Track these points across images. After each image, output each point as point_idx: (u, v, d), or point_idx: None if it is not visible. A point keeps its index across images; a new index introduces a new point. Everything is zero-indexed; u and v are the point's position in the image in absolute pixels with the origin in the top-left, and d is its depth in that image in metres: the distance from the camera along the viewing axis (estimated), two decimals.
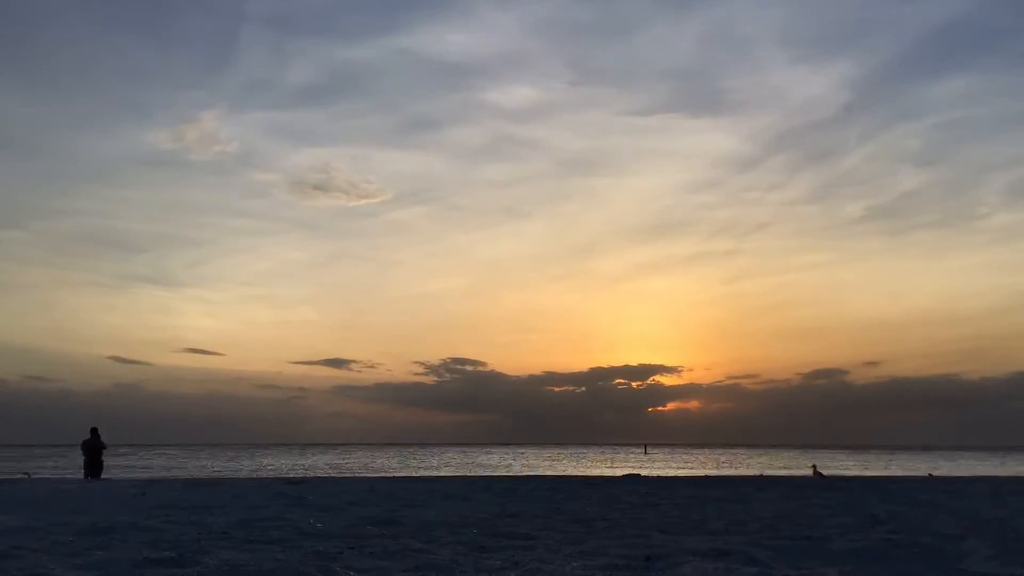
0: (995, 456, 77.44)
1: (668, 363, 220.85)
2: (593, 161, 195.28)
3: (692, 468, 44.82)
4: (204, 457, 66.62)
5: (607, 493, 14.45)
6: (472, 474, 31.24)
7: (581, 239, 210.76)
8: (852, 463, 55.31)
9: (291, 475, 30.50)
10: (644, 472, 31.26)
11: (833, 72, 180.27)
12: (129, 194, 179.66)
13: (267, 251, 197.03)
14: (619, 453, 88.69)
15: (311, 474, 31.79)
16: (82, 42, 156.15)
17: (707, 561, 5.90)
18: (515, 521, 9.04)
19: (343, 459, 62.27)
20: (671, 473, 30.74)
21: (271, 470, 41.38)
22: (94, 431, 24.97)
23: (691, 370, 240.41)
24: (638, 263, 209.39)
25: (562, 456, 73.14)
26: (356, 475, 32.02)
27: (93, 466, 24.89)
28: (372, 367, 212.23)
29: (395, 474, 31.86)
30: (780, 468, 43.55)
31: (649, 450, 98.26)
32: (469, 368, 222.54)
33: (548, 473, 32.23)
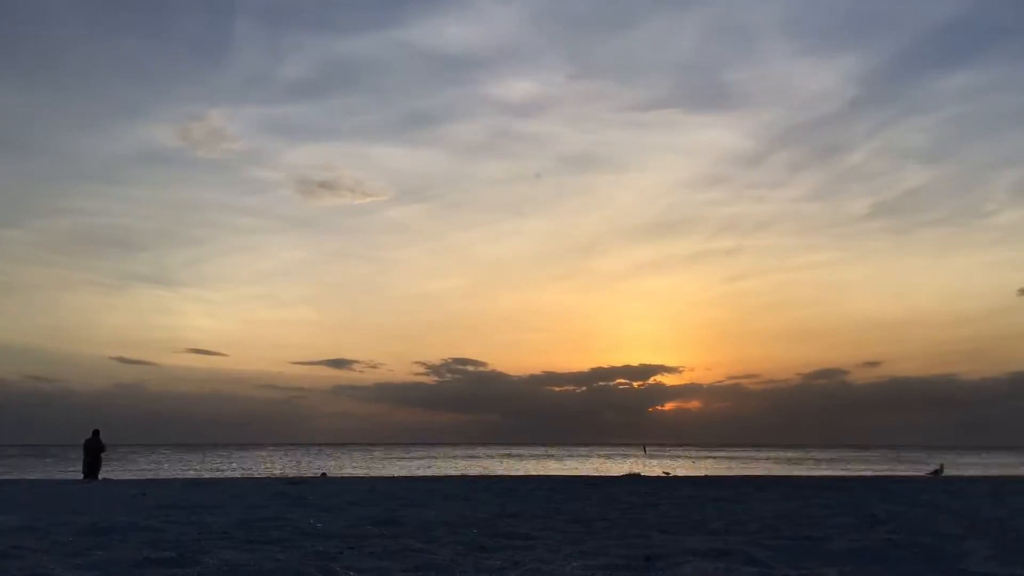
0: (996, 456, 77.47)
1: (669, 363, 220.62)
2: (593, 158, 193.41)
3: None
4: (205, 457, 66.61)
5: (607, 493, 14.45)
6: (472, 474, 31.23)
7: (582, 237, 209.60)
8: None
9: (291, 475, 30.50)
10: (646, 472, 31.25)
11: (839, 66, 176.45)
12: (127, 192, 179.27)
13: (267, 250, 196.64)
14: (620, 452, 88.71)
15: (311, 474, 31.79)
16: (79, 40, 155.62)
17: (707, 561, 5.90)
18: (515, 521, 9.04)
19: (344, 458, 62.27)
20: (681, 474, 30.71)
21: (272, 469, 41.39)
22: (96, 433, 25.03)
23: (692, 370, 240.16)
24: (639, 262, 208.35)
25: (563, 456, 73.13)
26: (356, 475, 32.02)
27: (93, 466, 24.95)
28: (373, 367, 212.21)
29: (395, 474, 31.85)
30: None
31: (649, 450, 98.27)
32: (470, 368, 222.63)
33: (548, 473, 32.23)
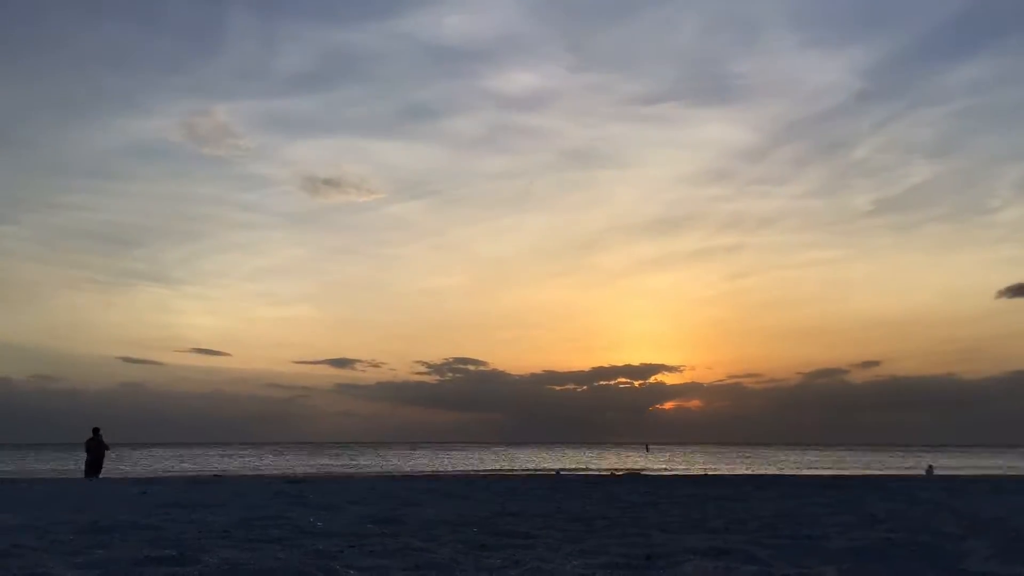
0: (998, 455, 77.44)
1: (670, 362, 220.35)
2: (595, 152, 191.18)
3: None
4: (207, 456, 66.63)
5: (607, 492, 14.45)
6: (472, 473, 31.25)
7: (583, 234, 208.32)
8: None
9: (292, 474, 30.51)
10: (646, 472, 31.25)
11: (846, 58, 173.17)
12: (123, 187, 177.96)
13: (266, 247, 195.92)
14: (621, 451, 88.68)
15: (312, 473, 31.83)
16: (73, 32, 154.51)
17: (707, 560, 5.91)
18: (515, 520, 9.04)
19: (344, 458, 62.30)
20: (678, 472, 30.73)
21: (272, 469, 41.40)
22: (96, 431, 25.07)
23: (693, 369, 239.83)
24: (641, 259, 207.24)
25: (563, 455, 73.14)
26: (357, 474, 32.03)
27: (95, 465, 25.00)
28: (375, 366, 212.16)
29: (396, 473, 31.86)
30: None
31: (651, 448, 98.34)
32: (471, 367, 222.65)
33: (548, 472, 32.22)
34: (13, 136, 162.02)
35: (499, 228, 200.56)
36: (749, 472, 32.11)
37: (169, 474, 33.38)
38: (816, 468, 43.40)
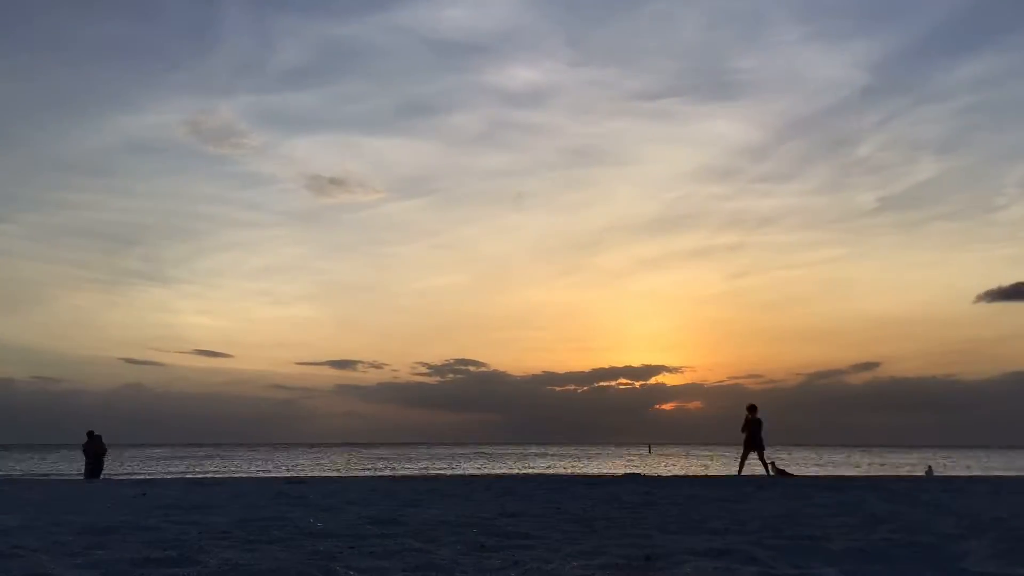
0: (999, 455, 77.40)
1: (671, 363, 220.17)
2: (595, 150, 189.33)
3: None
4: (208, 457, 66.66)
5: (607, 492, 14.44)
6: (472, 473, 31.24)
7: (584, 233, 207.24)
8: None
9: (292, 475, 30.50)
10: (646, 472, 31.24)
11: (851, 52, 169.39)
12: (119, 184, 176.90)
13: (264, 246, 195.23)
14: (622, 452, 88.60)
15: (313, 473, 31.81)
16: (68, 29, 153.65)
17: (707, 560, 5.90)
18: (515, 520, 9.03)
19: (345, 458, 62.31)
20: (680, 474, 30.71)
21: (273, 469, 41.39)
22: (90, 434, 25.07)
23: (694, 369, 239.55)
24: (642, 259, 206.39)
25: (563, 455, 73.13)
26: (357, 475, 32.03)
27: (95, 468, 25.02)
28: (376, 367, 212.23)
29: (396, 473, 31.85)
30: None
31: (653, 448, 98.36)
32: (472, 368, 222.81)
33: (549, 472, 32.23)
34: (9, 133, 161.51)
35: (499, 227, 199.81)
36: (749, 473, 32.09)
37: (169, 475, 33.36)
38: (816, 468, 43.40)
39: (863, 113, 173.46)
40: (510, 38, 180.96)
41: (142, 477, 31.25)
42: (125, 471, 41.04)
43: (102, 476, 25.45)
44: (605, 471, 34.97)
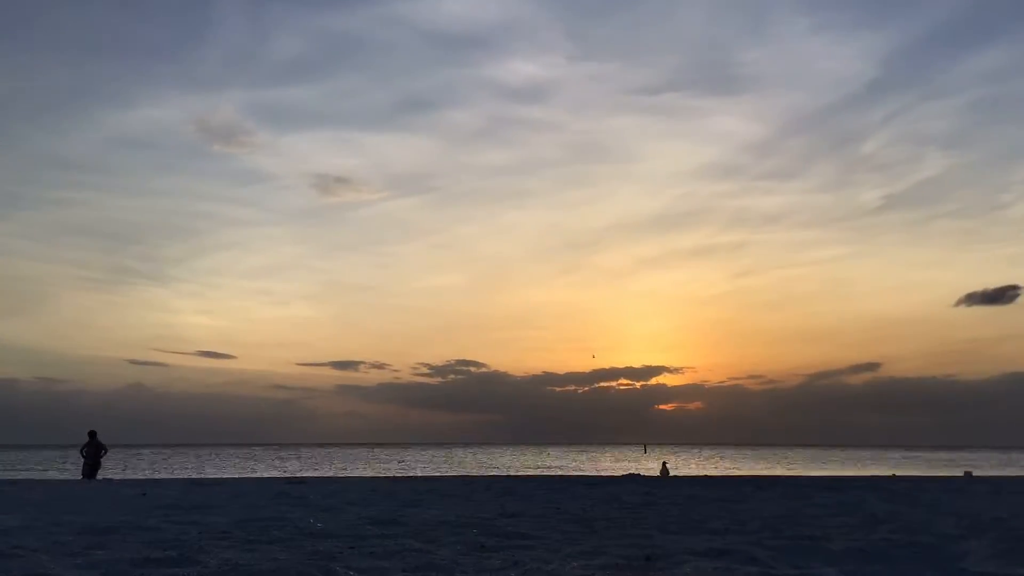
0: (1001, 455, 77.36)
1: (672, 364, 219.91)
2: (596, 146, 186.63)
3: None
4: (209, 457, 66.64)
5: (607, 493, 14.44)
6: (472, 474, 31.22)
7: (585, 231, 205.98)
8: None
9: (293, 475, 30.50)
10: (645, 473, 31.23)
11: (858, 44, 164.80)
12: (115, 182, 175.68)
13: (265, 246, 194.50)
14: (621, 452, 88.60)
15: (313, 474, 31.79)
16: (60, 18, 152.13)
17: (707, 560, 5.90)
18: (515, 521, 9.03)
19: (345, 459, 62.28)
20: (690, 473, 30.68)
21: (273, 470, 41.38)
22: (93, 434, 25.10)
23: (695, 370, 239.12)
24: (643, 258, 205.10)
25: (564, 456, 73.14)
26: (358, 475, 32.02)
27: (95, 468, 25.06)
28: (378, 368, 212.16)
29: (396, 474, 31.84)
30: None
31: (649, 449, 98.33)
32: (473, 369, 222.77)
33: (549, 473, 32.23)
34: (8, 132, 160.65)
35: (499, 225, 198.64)
36: (749, 473, 32.08)
37: (169, 475, 33.37)
38: (817, 469, 43.40)
39: (869, 108, 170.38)
40: (509, 31, 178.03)
41: (143, 477, 31.24)
42: (126, 471, 41.05)
43: (100, 476, 25.47)
44: (604, 472, 34.97)
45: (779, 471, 37.54)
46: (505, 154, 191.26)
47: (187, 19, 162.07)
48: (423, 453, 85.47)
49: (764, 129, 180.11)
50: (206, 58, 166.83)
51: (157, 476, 32.70)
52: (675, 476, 26.57)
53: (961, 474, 28.35)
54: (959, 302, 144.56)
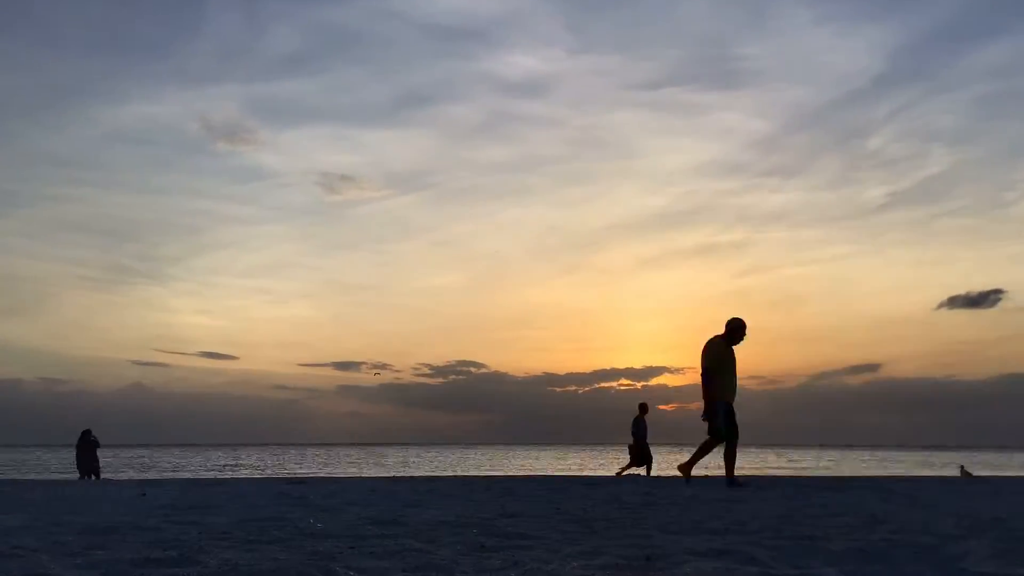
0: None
1: (673, 364, 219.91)
2: (596, 142, 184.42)
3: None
4: (210, 457, 66.68)
5: (607, 493, 14.44)
6: (472, 474, 31.22)
7: (585, 230, 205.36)
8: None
9: (293, 475, 30.49)
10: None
11: (864, 37, 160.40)
12: (112, 179, 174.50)
13: (265, 245, 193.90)
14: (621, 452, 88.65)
15: (313, 474, 31.80)
16: (59, 19, 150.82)
17: (707, 561, 5.90)
18: (515, 521, 9.03)
19: (346, 459, 62.33)
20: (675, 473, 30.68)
21: (273, 470, 41.36)
22: (87, 434, 25.13)
23: (696, 371, 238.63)
24: (644, 257, 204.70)
25: (564, 456, 73.18)
26: (358, 475, 32.01)
27: (95, 466, 25.08)
28: (379, 368, 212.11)
29: (396, 474, 31.85)
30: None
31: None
32: (473, 370, 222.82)
33: (549, 473, 32.21)
34: (6, 129, 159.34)
35: (498, 223, 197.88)
36: (750, 473, 32.07)
37: (169, 476, 33.36)
38: (817, 469, 43.40)
39: (875, 103, 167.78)
40: (508, 24, 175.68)
41: (143, 477, 31.25)
42: (126, 471, 41.04)
43: (96, 476, 25.47)
44: (605, 471, 34.96)
45: (779, 471, 37.53)
46: (505, 150, 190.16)
47: (181, 14, 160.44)
48: (423, 453, 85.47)
49: (767, 125, 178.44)
50: (201, 53, 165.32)
51: (157, 476, 32.69)
52: (675, 476, 26.57)
53: (958, 473, 28.31)
54: (941, 305, 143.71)
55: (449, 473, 33.06)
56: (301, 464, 49.68)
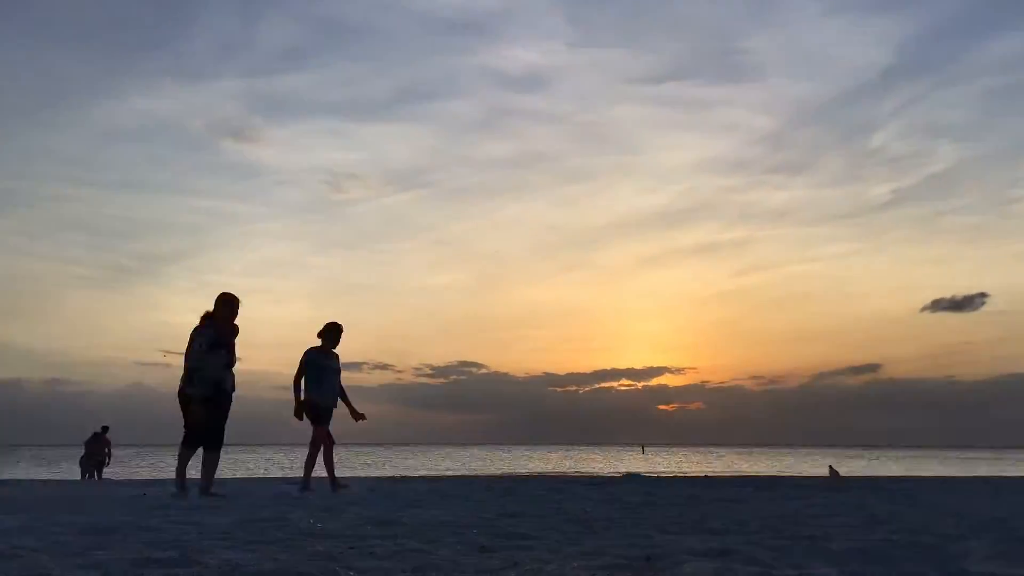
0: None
1: (673, 364, 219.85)
2: (597, 138, 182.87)
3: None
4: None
5: (607, 493, 14.44)
6: (472, 474, 31.22)
7: (585, 228, 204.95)
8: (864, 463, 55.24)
9: (293, 475, 30.50)
10: (646, 473, 31.22)
11: (873, 29, 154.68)
12: (108, 177, 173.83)
13: (264, 244, 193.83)
14: (620, 453, 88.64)
15: (314, 474, 31.80)
16: (55, 13, 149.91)
17: (707, 561, 5.90)
18: (515, 521, 9.03)
19: (346, 459, 62.33)
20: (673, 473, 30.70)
21: (273, 470, 41.36)
22: (105, 430, 25.14)
23: (696, 371, 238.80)
24: (645, 256, 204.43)
25: (564, 456, 73.20)
26: (358, 475, 32.01)
27: (101, 465, 25.10)
28: (381, 369, 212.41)
29: (396, 474, 31.83)
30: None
31: (646, 450, 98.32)
32: (474, 370, 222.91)
33: (549, 472, 32.22)
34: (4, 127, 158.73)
35: (499, 221, 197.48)
36: (750, 473, 32.07)
37: (169, 475, 33.37)
38: (818, 469, 43.39)
39: (882, 98, 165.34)
40: (507, 15, 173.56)
41: (143, 477, 31.27)
42: (126, 471, 41.06)
43: (99, 477, 25.48)
44: (605, 471, 34.96)
45: (779, 471, 37.54)
46: (504, 146, 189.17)
47: (177, 8, 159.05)
48: (424, 453, 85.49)
49: (771, 121, 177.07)
50: (197, 49, 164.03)
51: (157, 476, 32.68)
52: (675, 476, 26.58)
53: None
54: (925, 308, 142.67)
55: (449, 473, 33.06)
56: (300, 463, 49.86)
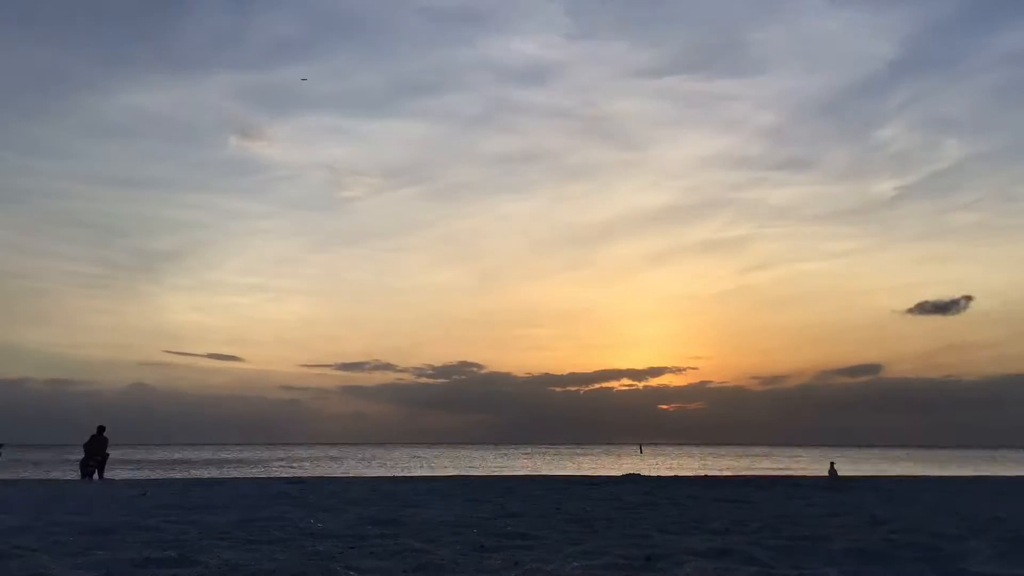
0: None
1: (674, 364, 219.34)
2: (598, 134, 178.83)
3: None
4: (211, 457, 66.68)
5: (607, 493, 14.44)
6: (473, 474, 31.23)
7: (586, 225, 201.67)
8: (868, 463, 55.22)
9: (293, 475, 30.50)
10: (646, 473, 31.22)
11: (882, 20, 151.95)
12: (104, 174, 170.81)
13: (264, 243, 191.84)
14: (619, 453, 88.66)
15: (314, 474, 31.80)
16: (46, 8, 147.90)
17: (707, 561, 5.90)
18: (515, 521, 9.04)
19: (346, 459, 62.34)
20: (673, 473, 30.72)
21: (274, 470, 41.38)
22: (101, 430, 25.15)
23: (697, 371, 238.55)
24: (646, 254, 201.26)
25: (564, 456, 73.23)
26: (358, 475, 32.01)
27: (101, 465, 25.10)
28: (382, 369, 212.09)
29: (396, 474, 31.85)
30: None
31: (644, 449, 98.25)
32: (475, 370, 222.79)
33: (549, 473, 32.22)
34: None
35: (499, 218, 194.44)
36: (750, 473, 32.10)
37: (170, 475, 33.37)
38: (818, 469, 43.38)
39: (888, 92, 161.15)
40: (506, 6, 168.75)
41: (144, 477, 31.26)
42: (126, 471, 41.05)
43: (97, 476, 25.46)
44: (605, 471, 34.96)
45: (780, 471, 37.56)
46: (504, 141, 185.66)
47: (176, 2, 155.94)
48: (424, 453, 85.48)
49: (775, 116, 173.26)
50: (198, 43, 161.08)
51: (157, 476, 32.71)
52: (675, 476, 26.56)
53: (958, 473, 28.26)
54: (925, 308, 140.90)
55: (450, 473, 33.07)
56: (301, 464, 49.72)
